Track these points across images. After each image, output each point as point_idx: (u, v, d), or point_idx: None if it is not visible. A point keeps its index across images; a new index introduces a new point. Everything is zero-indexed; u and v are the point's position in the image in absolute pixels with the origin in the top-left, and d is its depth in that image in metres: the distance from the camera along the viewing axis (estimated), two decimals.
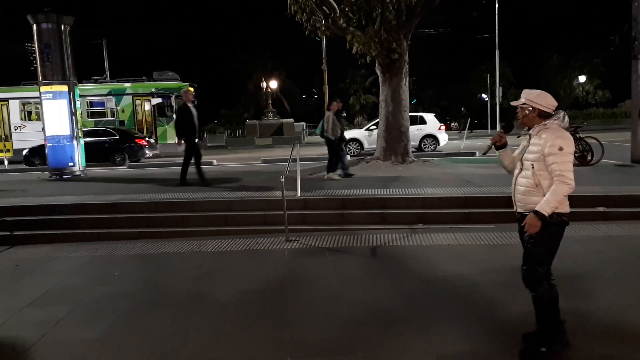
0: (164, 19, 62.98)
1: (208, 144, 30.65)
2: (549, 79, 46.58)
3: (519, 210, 3.34)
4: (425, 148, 18.15)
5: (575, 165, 11.29)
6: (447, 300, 4.34)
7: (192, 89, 23.28)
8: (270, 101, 36.52)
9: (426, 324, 3.90)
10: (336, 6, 10.81)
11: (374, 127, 18.58)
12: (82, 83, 22.92)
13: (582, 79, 44.49)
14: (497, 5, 31.80)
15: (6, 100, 21.77)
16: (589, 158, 10.84)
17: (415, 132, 18.05)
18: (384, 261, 5.66)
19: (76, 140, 12.48)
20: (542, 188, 3.16)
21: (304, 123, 36.41)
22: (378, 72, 11.75)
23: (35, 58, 12.97)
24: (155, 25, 56.90)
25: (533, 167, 3.19)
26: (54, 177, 12.31)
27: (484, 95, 44.51)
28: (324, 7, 10.83)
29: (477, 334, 3.67)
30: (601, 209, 7.05)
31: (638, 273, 4.88)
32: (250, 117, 38.95)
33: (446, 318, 3.97)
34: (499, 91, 33.23)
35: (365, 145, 18.35)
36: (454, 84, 51.00)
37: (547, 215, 3.09)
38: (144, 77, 22.95)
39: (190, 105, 9.61)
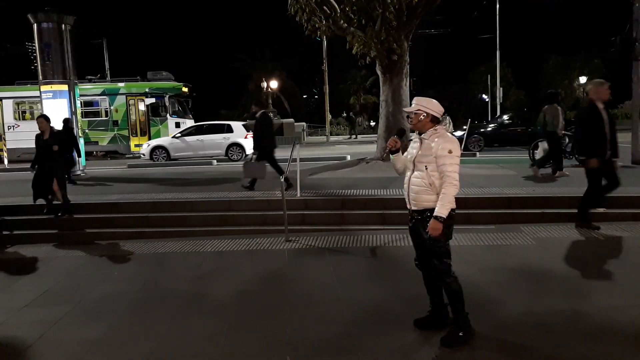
0: (165, 19, 63.03)
1: None
2: (549, 79, 46.51)
3: (413, 208, 3.59)
4: (232, 156, 17.97)
5: (575, 166, 11.20)
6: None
7: (186, 89, 23.27)
8: (270, 101, 36.51)
9: None
10: (337, 6, 10.81)
11: (180, 134, 18.51)
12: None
13: (582, 79, 44.44)
14: (497, 6, 31.79)
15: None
16: None
17: (222, 140, 18.14)
18: (383, 262, 5.66)
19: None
20: (435, 187, 3.45)
21: (304, 123, 36.36)
22: (379, 73, 11.75)
23: (35, 57, 12.98)
24: (156, 24, 56.91)
25: (427, 169, 3.47)
26: None
27: (484, 96, 44.49)
28: (325, 7, 10.83)
29: (477, 335, 3.65)
30: (601, 209, 7.04)
31: (638, 275, 4.87)
32: (250, 117, 38.90)
33: None
34: (499, 92, 33.20)
35: (172, 154, 17.97)
36: (455, 84, 50.96)
37: (445, 217, 3.39)
38: (138, 77, 22.92)
39: (600, 106, 6.31)
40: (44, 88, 12.31)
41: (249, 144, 18.08)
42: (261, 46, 46.54)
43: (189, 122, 23.13)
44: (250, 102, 44.90)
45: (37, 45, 12.26)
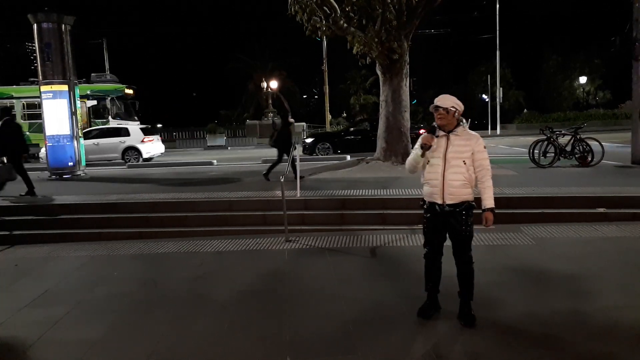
0: (165, 19, 63.04)
1: (208, 144, 30.67)
2: (549, 79, 46.52)
3: (449, 202, 3.71)
4: (128, 160, 17.95)
5: (575, 166, 11.24)
6: (447, 300, 4.32)
7: (130, 91, 23.02)
8: (270, 101, 36.50)
9: (426, 323, 3.90)
10: (337, 6, 10.80)
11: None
12: (18, 85, 22.37)
13: (582, 79, 44.43)
14: (497, 6, 31.78)
15: None
16: (589, 159, 10.84)
17: (118, 144, 18.27)
18: (383, 262, 5.66)
19: (76, 139, 12.49)
20: (472, 180, 3.73)
21: (304, 123, 36.38)
22: (378, 73, 11.74)
23: (35, 57, 12.97)
24: (156, 24, 56.90)
25: (465, 164, 3.68)
26: (54, 176, 12.31)
27: (484, 96, 44.46)
28: (325, 7, 10.82)
29: (477, 334, 3.66)
30: (601, 210, 7.04)
31: (637, 274, 4.87)
32: (251, 117, 38.92)
33: (446, 318, 3.96)
34: (499, 92, 33.21)
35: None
36: (455, 84, 50.92)
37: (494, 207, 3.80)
38: (84, 79, 22.70)
39: None
40: (44, 88, 12.30)
41: (146, 148, 18.41)
42: (261, 46, 46.44)
43: (134, 125, 22.03)
44: (251, 102, 45.08)
45: (37, 45, 12.25)
